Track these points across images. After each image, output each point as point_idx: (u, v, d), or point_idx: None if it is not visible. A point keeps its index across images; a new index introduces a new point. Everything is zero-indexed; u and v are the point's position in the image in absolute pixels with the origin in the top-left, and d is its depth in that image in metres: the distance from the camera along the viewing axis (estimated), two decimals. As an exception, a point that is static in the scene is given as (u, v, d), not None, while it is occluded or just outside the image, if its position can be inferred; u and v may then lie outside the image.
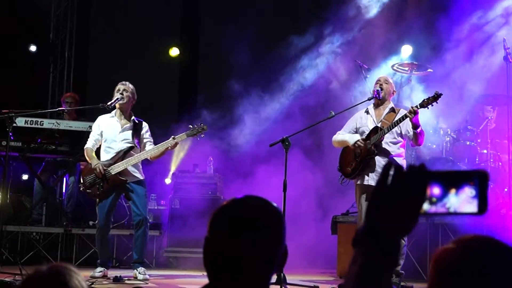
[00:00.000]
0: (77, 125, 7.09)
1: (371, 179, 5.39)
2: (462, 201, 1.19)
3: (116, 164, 5.96)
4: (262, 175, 8.00)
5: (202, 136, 6.16)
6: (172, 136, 6.01)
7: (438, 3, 7.96)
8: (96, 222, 6.18)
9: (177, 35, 10.93)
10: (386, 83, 5.61)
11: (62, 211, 7.86)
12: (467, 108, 7.53)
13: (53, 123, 7.07)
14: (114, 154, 6.02)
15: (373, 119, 5.58)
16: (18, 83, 9.46)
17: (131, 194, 6.02)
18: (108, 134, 6.09)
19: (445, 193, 1.20)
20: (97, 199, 6.05)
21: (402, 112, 5.41)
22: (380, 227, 1.18)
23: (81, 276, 1.68)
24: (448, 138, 7.34)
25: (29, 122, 6.94)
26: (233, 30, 9.04)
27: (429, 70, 7.59)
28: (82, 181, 6.07)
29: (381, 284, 1.17)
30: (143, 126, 6.20)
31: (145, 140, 6.17)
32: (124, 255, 7.54)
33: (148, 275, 5.99)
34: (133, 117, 6.17)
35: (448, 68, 7.72)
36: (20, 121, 6.74)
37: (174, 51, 10.60)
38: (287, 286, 5.27)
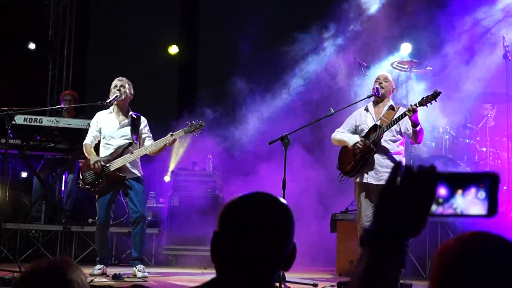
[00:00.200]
0: (76, 123, 7.09)
1: (370, 177, 5.38)
2: (468, 202, 1.19)
3: (115, 161, 5.96)
4: (262, 173, 7.97)
5: (200, 132, 6.15)
6: (170, 133, 6.01)
7: (439, 0, 7.93)
8: (96, 218, 6.18)
9: (176, 32, 10.92)
10: (386, 81, 5.60)
11: (61, 208, 7.86)
12: (466, 106, 7.53)
13: (52, 121, 7.07)
14: (113, 150, 6.02)
15: (372, 117, 5.57)
16: (17, 81, 9.45)
17: (129, 191, 6.02)
18: (107, 130, 6.09)
19: (451, 194, 1.20)
20: (96, 195, 6.06)
21: (401, 110, 5.40)
22: (389, 227, 1.18)
23: (81, 270, 1.68)
24: (447, 136, 7.34)
25: (28, 120, 6.93)
26: (232, 27, 9.02)
27: (428, 68, 7.59)
28: (81, 177, 6.06)
29: (387, 284, 1.17)
30: (141, 121, 6.18)
31: (143, 136, 6.15)
32: (123, 252, 7.54)
33: (147, 272, 5.98)
34: (130, 113, 6.16)
35: (447, 65, 7.71)
36: (19, 119, 6.73)
37: (173, 49, 10.58)
38: (286, 284, 5.27)
